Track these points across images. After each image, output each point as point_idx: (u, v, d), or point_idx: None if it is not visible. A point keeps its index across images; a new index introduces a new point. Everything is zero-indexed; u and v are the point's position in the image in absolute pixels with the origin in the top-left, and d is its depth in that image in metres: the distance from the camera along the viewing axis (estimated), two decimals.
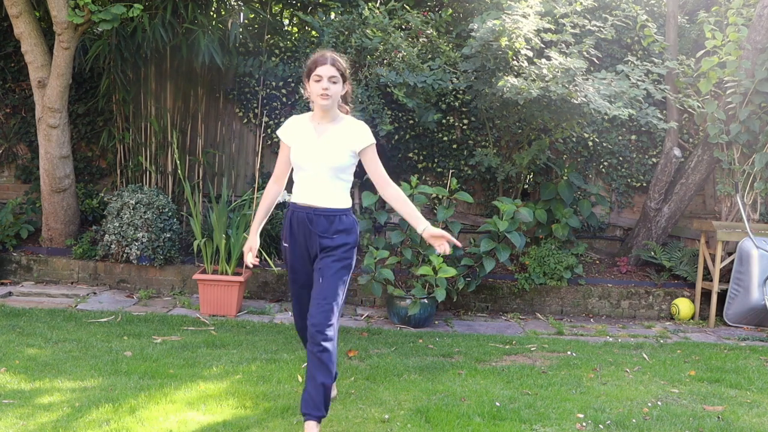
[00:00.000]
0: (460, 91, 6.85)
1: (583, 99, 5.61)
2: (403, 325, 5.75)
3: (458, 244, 3.44)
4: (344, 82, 3.42)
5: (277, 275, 6.36)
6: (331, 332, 3.29)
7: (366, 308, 6.31)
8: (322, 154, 3.39)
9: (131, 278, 6.38)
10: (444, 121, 7.02)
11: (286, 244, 3.53)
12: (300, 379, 4.18)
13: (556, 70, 5.67)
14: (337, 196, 3.44)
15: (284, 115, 6.88)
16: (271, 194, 3.65)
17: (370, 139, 3.44)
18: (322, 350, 3.26)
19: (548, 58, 5.86)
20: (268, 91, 7.06)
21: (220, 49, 6.42)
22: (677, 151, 6.75)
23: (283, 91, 7.06)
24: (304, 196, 3.45)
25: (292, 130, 3.51)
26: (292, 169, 3.55)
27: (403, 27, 6.60)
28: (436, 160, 7.13)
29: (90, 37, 6.52)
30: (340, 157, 3.39)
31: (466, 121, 7.05)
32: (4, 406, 3.54)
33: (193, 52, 6.39)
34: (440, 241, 3.35)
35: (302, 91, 3.59)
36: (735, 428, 3.73)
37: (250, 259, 3.58)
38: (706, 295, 6.41)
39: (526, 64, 5.88)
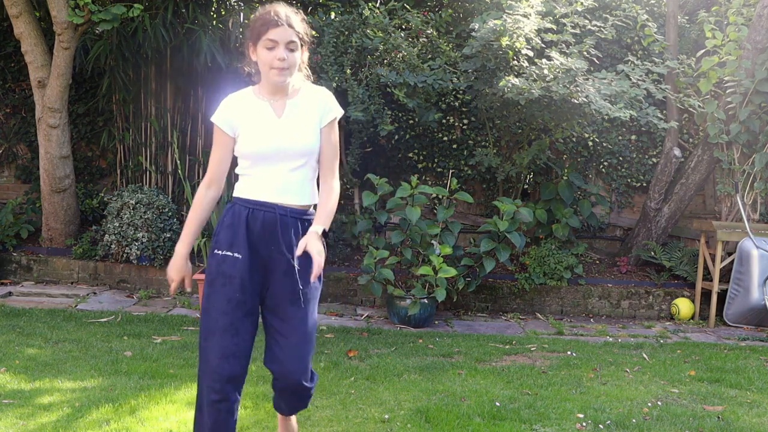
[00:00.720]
0: (460, 91, 6.85)
1: (584, 99, 5.61)
2: (403, 325, 5.75)
3: (314, 277, 2.54)
4: (302, 47, 2.65)
5: None
6: (310, 372, 2.75)
7: (366, 308, 6.31)
8: (291, 135, 2.63)
9: (131, 278, 6.38)
10: (444, 121, 7.02)
11: (227, 253, 2.61)
12: None
13: (558, 70, 5.67)
14: (312, 191, 2.73)
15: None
16: (207, 203, 2.74)
17: (338, 110, 2.73)
18: (309, 395, 2.83)
19: (549, 58, 5.86)
20: None
21: (221, 49, 6.43)
22: (677, 151, 6.75)
23: None
24: (266, 191, 2.64)
25: (235, 114, 2.66)
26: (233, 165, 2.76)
27: (403, 27, 6.60)
28: (436, 160, 7.13)
29: (91, 37, 6.52)
30: (312, 137, 2.66)
31: (466, 121, 7.05)
32: (4, 406, 3.54)
33: (193, 52, 6.40)
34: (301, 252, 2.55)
35: (244, 61, 2.74)
36: (735, 428, 3.73)
37: (174, 288, 2.76)
38: (706, 295, 6.41)
39: (526, 64, 5.88)
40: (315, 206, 2.72)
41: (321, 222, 2.60)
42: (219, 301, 2.60)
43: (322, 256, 2.51)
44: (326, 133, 2.70)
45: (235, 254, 2.61)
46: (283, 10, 2.60)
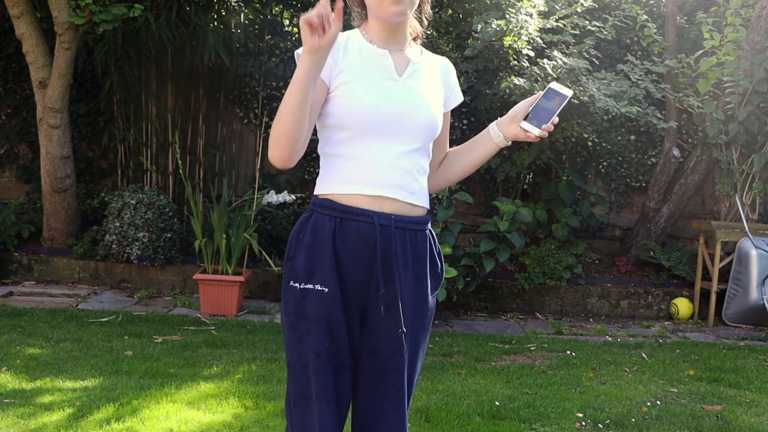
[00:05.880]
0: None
1: (587, 98, 5.62)
2: None
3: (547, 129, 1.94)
4: None
5: (278, 275, 6.37)
6: None
7: None
8: (414, 102, 1.91)
9: (132, 278, 6.39)
10: None
11: (307, 286, 1.87)
12: None
13: (560, 69, 5.68)
14: (426, 191, 1.99)
15: None
16: None
17: (461, 96, 2.10)
18: None
19: (549, 58, 5.88)
20: (268, 91, 7.08)
21: (223, 49, 6.45)
22: (676, 152, 6.76)
23: (284, 91, 7.03)
24: (366, 183, 1.88)
25: (338, 53, 1.88)
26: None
27: None
28: None
29: (93, 37, 6.53)
30: (438, 113, 1.96)
31: (466, 122, 7.06)
32: (5, 405, 3.55)
33: (196, 52, 6.42)
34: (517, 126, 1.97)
35: (352, 13, 2.00)
36: (734, 427, 3.75)
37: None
38: (705, 294, 6.42)
39: (527, 64, 5.90)
40: (428, 214, 2.00)
41: (489, 129, 2.03)
42: (306, 356, 1.88)
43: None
44: (447, 119, 2.05)
45: (317, 287, 1.87)
46: None
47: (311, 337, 1.86)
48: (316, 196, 1.93)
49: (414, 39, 2.02)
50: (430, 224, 1.99)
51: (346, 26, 1.81)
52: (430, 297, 1.97)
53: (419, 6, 1.96)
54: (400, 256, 1.89)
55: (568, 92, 1.90)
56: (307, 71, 1.71)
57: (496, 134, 1.99)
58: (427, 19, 2.05)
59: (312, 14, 1.63)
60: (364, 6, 1.94)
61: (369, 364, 1.92)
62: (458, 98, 2.06)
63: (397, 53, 1.93)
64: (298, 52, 1.80)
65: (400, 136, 1.88)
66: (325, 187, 1.91)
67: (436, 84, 1.99)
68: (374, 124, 1.86)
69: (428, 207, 1.98)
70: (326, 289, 1.86)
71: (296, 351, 1.89)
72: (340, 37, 1.87)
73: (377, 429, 1.94)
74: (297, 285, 1.88)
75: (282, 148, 1.79)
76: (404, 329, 1.89)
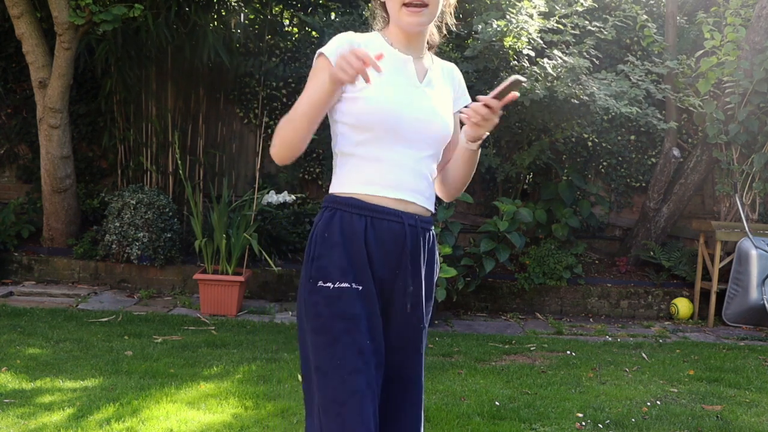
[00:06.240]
0: None
1: (587, 98, 5.62)
2: None
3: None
4: None
5: (278, 275, 6.37)
6: None
7: None
8: (432, 110, 1.95)
9: (132, 278, 6.39)
10: None
11: (343, 285, 1.85)
12: (300, 378, 4.19)
13: (561, 69, 5.68)
14: (434, 193, 2.05)
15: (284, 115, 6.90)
16: None
17: (468, 99, 2.09)
18: None
19: (550, 58, 5.88)
20: (268, 91, 7.07)
21: (223, 49, 6.46)
22: (676, 152, 6.76)
23: (284, 91, 7.07)
24: (390, 186, 1.90)
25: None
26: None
27: None
28: None
29: (94, 37, 6.53)
30: (450, 121, 2.00)
31: None
32: (6, 405, 3.55)
33: (196, 52, 6.42)
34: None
35: (369, 12, 2.11)
36: (734, 427, 3.75)
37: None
38: (705, 294, 6.43)
39: (527, 64, 5.90)
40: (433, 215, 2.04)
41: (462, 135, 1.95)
42: (347, 356, 1.81)
43: (494, 120, 1.85)
44: (457, 121, 2.02)
45: (354, 285, 1.84)
46: None
47: (352, 336, 1.82)
48: (335, 195, 1.93)
49: (429, 48, 2.07)
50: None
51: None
52: (434, 294, 2.05)
53: (441, 15, 2.00)
54: (422, 256, 1.94)
55: (520, 77, 1.82)
56: (329, 93, 1.81)
57: (462, 138, 2.00)
58: (447, 29, 2.09)
59: (363, 53, 1.70)
60: (386, 10, 1.97)
61: (391, 360, 1.92)
62: (466, 99, 2.06)
63: (417, 60, 1.98)
64: (324, 51, 1.89)
65: (419, 143, 1.92)
66: (346, 186, 1.92)
67: (446, 90, 2.03)
68: (397, 129, 1.89)
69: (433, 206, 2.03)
70: (361, 287, 1.86)
71: (327, 353, 1.82)
72: (358, 39, 1.93)
73: (396, 423, 1.94)
74: (330, 285, 1.85)
75: (283, 153, 1.91)
76: (425, 325, 1.96)
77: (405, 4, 1.88)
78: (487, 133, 1.92)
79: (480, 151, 2.00)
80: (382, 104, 1.87)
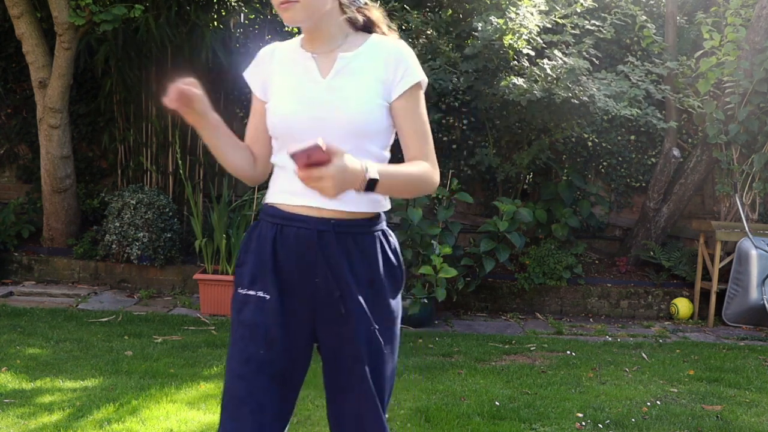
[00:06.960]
0: (460, 91, 6.86)
1: (587, 98, 5.62)
2: (403, 325, 5.75)
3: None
4: None
5: None
6: None
7: None
8: (335, 103, 1.82)
9: (132, 278, 6.39)
10: (444, 121, 7.02)
11: (249, 292, 1.86)
12: None
13: (560, 69, 5.68)
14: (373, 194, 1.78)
15: None
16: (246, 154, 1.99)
17: (418, 73, 1.85)
18: None
19: (550, 58, 5.88)
20: None
21: (223, 49, 6.46)
22: (676, 152, 6.76)
23: None
24: (300, 192, 1.79)
25: (268, 67, 2.00)
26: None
27: (403, 28, 6.61)
28: None
29: (94, 37, 6.54)
30: (366, 109, 1.82)
31: (465, 122, 7.05)
32: (5, 405, 3.55)
33: (195, 51, 6.42)
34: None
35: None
36: (734, 427, 3.75)
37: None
38: (705, 294, 6.42)
39: (527, 64, 5.90)
40: (380, 215, 1.91)
41: (380, 165, 1.71)
42: (234, 362, 1.84)
43: (328, 181, 1.56)
44: (402, 107, 1.84)
45: (259, 293, 1.84)
46: None
47: (244, 343, 1.83)
48: (263, 204, 1.95)
49: (372, 29, 1.91)
50: (383, 225, 1.91)
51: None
52: (390, 300, 1.93)
53: None
54: (345, 260, 1.83)
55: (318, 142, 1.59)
56: (202, 129, 1.90)
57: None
58: (380, 13, 1.93)
59: (171, 97, 1.77)
60: None
61: (332, 365, 1.91)
62: (408, 81, 1.83)
63: (326, 54, 1.88)
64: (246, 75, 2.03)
65: (327, 139, 1.69)
66: (269, 195, 1.93)
67: (371, 73, 1.83)
68: (292, 133, 1.83)
69: (378, 210, 1.90)
70: (267, 296, 1.83)
71: (229, 354, 1.87)
72: (266, 49, 2.00)
73: (342, 405, 1.93)
74: (241, 291, 1.87)
75: (237, 176, 1.98)
76: (375, 326, 1.87)
77: (279, 2, 1.80)
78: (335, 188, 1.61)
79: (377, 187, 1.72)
80: (279, 109, 1.88)
